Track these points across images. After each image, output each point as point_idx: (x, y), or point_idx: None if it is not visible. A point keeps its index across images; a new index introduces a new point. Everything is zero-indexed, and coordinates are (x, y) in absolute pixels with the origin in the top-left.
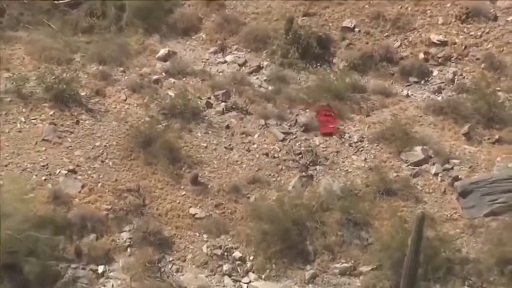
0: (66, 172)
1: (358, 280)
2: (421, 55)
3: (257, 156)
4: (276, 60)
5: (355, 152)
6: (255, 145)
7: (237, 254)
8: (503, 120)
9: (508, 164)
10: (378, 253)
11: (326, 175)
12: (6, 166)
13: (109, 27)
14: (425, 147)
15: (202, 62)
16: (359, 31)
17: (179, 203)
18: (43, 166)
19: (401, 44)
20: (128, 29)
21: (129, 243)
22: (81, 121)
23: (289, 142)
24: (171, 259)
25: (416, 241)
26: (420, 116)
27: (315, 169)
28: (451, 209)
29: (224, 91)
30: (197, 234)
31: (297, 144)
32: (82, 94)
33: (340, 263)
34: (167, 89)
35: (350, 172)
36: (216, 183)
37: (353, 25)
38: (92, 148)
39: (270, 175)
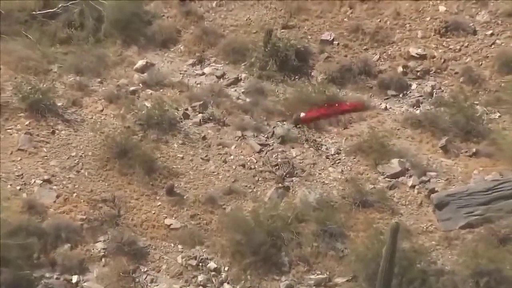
0: (41, 182)
1: None
2: (400, 69)
3: (234, 167)
4: (255, 73)
5: (332, 164)
6: (232, 156)
7: (212, 265)
8: (480, 133)
9: (485, 177)
10: (353, 264)
11: (302, 187)
12: None
13: (87, 38)
14: (402, 159)
15: (180, 73)
16: (338, 44)
17: (154, 213)
18: (18, 175)
19: (379, 57)
20: (106, 40)
21: (103, 253)
22: (57, 131)
23: (266, 153)
24: (145, 269)
25: (390, 251)
26: (398, 129)
27: (292, 181)
28: (427, 221)
29: (201, 102)
30: (172, 245)
31: (274, 156)
32: (59, 104)
33: (316, 274)
34: (144, 100)
35: (327, 183)
36: (192, 194)
37: (332, 38)
38: (68, 158)
39: (246, 186)
